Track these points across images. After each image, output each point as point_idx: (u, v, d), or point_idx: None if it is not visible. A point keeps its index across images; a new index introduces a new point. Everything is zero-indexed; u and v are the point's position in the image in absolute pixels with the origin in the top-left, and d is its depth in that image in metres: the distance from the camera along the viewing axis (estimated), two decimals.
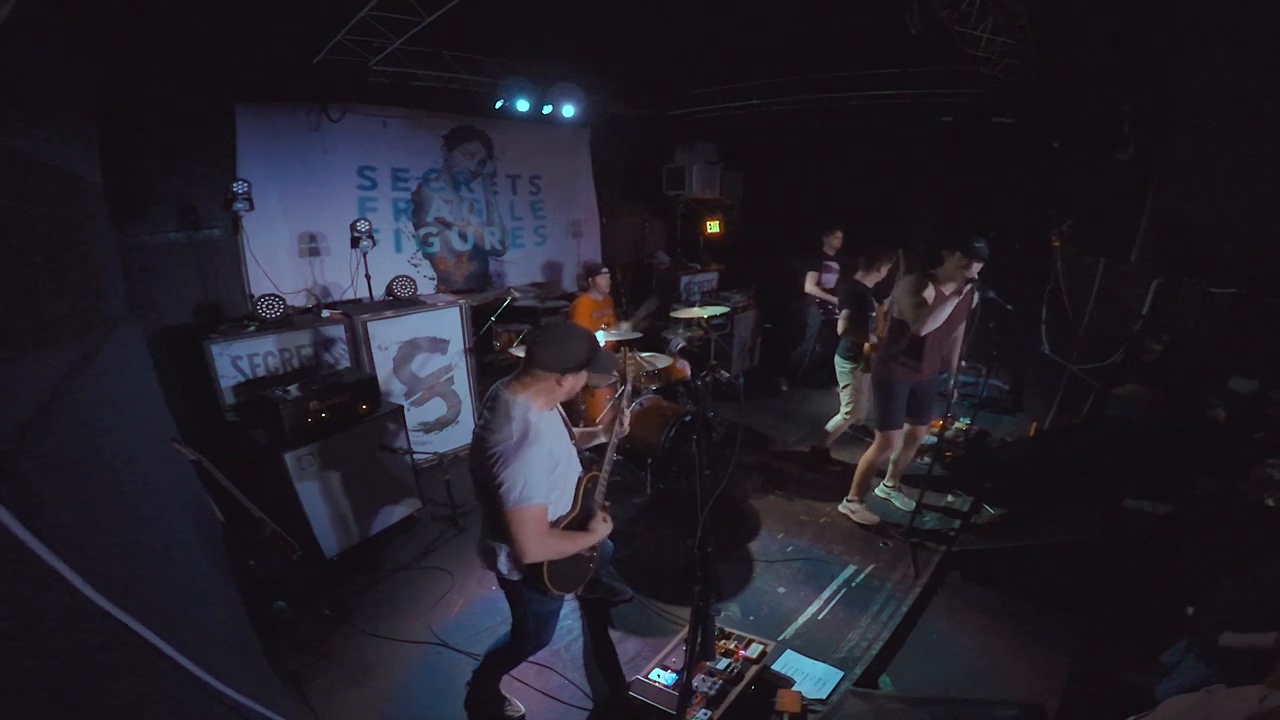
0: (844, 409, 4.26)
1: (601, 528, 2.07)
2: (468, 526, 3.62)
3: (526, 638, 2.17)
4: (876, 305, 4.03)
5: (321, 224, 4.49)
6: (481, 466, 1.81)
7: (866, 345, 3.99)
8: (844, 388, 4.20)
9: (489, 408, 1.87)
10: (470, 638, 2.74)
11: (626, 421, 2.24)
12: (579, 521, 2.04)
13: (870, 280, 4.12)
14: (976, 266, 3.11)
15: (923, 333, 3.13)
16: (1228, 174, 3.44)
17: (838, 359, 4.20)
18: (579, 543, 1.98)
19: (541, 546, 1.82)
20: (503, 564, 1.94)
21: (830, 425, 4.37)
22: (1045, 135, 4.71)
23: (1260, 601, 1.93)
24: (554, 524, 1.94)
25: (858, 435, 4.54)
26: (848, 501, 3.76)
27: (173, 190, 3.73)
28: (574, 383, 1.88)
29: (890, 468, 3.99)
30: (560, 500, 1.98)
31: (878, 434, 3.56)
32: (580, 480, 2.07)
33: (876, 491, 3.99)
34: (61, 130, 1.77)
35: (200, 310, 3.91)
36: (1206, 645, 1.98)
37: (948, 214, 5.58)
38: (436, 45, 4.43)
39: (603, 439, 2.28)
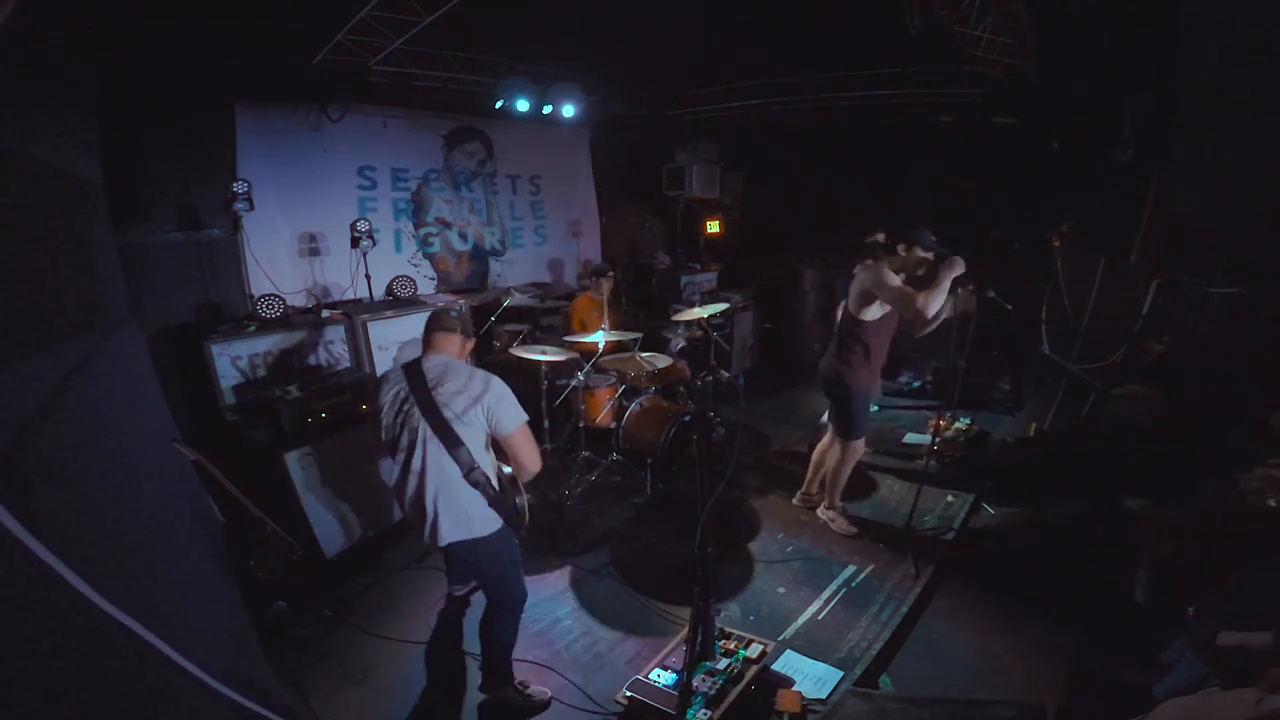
0: None
1: None
2: None
3: (511, 591, 2.28)
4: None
5: (321, 224, 4.49)
6: (459, 421, 2.00)
7: None
8: None
9: (442, 374, 2.06)
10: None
11: None
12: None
13: None
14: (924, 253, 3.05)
15: (930, 313, 2.89)
16: (1227, 174, 3.43)
17: None
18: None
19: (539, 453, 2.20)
20: (483, 517, 2.08)
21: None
22: (1045, 135, 4.71)
23: (1260, 600, 1.93)
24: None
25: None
26: (824, 509, 3.64)
27: (173, 190, 3.72)
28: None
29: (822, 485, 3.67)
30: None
31: (844, 444, 3.40)
32: None
33: (818, 513, 3.71)
34: (61, 130, 1.77)
35: (200, 310, 3.90)
36: (1204, 644, 1.98)
37: (947, 214, 5.58)
38: (436, 45, 4.43)
39: None
